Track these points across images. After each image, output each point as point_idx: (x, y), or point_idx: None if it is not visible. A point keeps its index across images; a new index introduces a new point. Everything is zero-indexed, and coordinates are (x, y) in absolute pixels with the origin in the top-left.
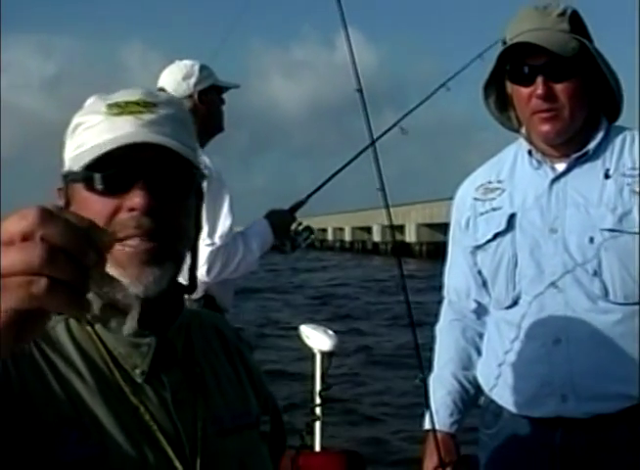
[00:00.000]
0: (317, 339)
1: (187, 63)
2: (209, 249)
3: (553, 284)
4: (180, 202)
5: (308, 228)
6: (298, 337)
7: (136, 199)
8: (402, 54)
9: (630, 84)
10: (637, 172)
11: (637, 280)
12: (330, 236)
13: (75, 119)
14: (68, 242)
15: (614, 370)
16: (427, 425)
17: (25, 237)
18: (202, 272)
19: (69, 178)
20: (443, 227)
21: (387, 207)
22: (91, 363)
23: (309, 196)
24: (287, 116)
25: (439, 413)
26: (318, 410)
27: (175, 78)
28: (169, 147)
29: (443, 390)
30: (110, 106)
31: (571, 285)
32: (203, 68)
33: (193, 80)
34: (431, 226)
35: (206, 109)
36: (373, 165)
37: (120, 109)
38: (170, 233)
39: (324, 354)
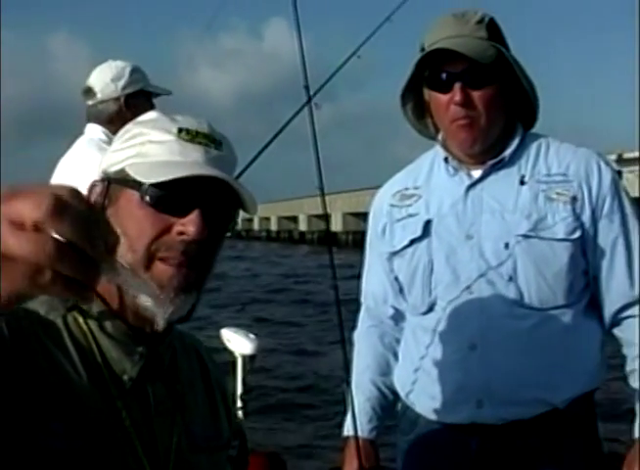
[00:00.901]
0: (238, 342)
1: (119, 64)
2: None
3: (468, 289)
4: (220, 237)
5: None
6: (219, 340)
7: (191, 227)
8: (328, 42)
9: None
10: (551, 179)
11: (553, 285)
12: (256, 226)
13: (135, 129)
14: (79, 238)
15: (529, 376)
16: (346, 431)
17: (37, 227)
18: None
19: (119, 181)
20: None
21: (322, 195)
22: (85, 361)
23: (246, 168)
24: (215, 105)
25: (359, 419)
26: (240, 414)
27: (104, 79)
28: (233, 186)
29: (362, 396)
30: (181, 130)
31: (487, 290)
32: (134, 70)
33: (122, 83)
34: (357, 215)
35: (132, 113)
36: (312, 152)
37: (191, 136)
38: (207, 264)
39: (245, 358)
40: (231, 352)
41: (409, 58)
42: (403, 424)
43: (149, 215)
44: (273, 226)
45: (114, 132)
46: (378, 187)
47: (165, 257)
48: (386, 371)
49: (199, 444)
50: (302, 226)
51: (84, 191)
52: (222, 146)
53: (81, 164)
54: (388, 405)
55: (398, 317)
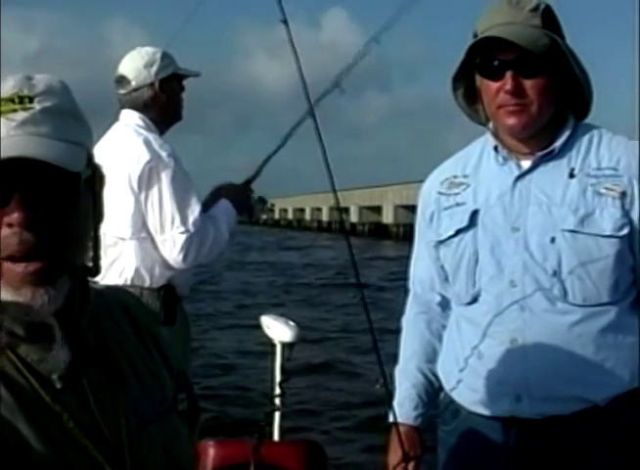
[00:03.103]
0: (278, 330)
1: (148, 50)
2: (184, 236)
3: (512, 283)
4: (66, 208)
5: (261, 199)
6: (260, 327)
7: (14, 214)
8: (387, 34)
9: (630, 83)
10: (601, 173)
11: (598, 282)
12: (308, 216)
13: None
14: None
15: (569, 372)
16: (391, 418)
17: None
18: (178, 260)
19: None
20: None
21: (334, 190)
22: (5, 376)
23: (261, 166)
24: (270, 95)
25: (404, 406)
26: (277, 401)
27: (137, 66)
28: (40, 159)
29: (408, 383)
30: None
31: (530, 285)
32: (164, 55)
33: (154, 68)
34: (408, 208)
35: (167, 97)
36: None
37: None
38: (60, 245)
39: (284, 345)
40: (270, 340)
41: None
42: (445, 414)
43: None
44: (324, 217)
45: (151, 118)
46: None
47: (8, 255)
48: (432, 358)
49: (147, 416)
50: (354, 218)
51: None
52: (35, 99)
53: (121, 150)
54: (434, 393)
55: (446, 304)
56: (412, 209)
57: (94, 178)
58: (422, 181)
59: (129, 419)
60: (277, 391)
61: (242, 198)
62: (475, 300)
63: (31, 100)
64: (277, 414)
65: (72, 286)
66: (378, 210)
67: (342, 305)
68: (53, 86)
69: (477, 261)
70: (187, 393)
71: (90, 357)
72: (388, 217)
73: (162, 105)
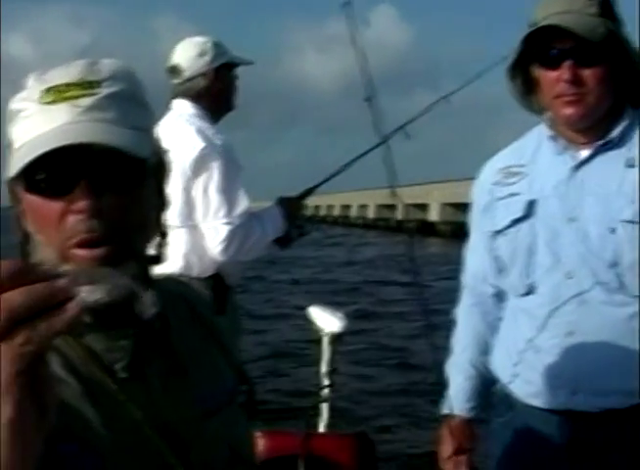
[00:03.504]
0: (325, 320)
1: (200, 39)
2: (228, 227)
3: (568, 274)
4: (132, 195)
5: (311, 218)
6: (307, 318)
7: (80, 202)
8: (436, 33)
9: None
10: None
11: None
12: (354, 213)
13: (13, 104)
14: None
15: (626, 365)
16: (444, 410)
17: None
18: (217, 251)
19: (13, 178)
20: (468, 207)
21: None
22: (70, 365)
23: (317, 186)
24: (318, 91)
25: (457, 398)
26: (325, 392)
27: (190, 55)
28: (107, 145)
29: (461, 375)
30: (44, 92)
31: (587, 276)
32: (216, 44)
33: (208, 57)
34: (455, 206)
35: (221, 86)
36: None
37: (56, 95)
38: (125, 231)
39: (332, 336)
40: (318, 331)
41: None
42: (498, 406)
43: (40, 206)
44: (370, 214)
45: (205, 107)
46: (475, 178)
47: (76, 242)
48: (485, 351)
49: (210, 408)
50: (400, 215)
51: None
52: (101, 84)
53: (174, 139)
54: (487, 385)
55: (499, 296)
56: (458, 206)
57: (159, 165)
58: (469, 179)
59: (194, 410)
60: (324, 382)
61: (293, 210)
62: (530, 291)
63: (97, 85)
64: (324, 406)
65: (137, 273)
66: (424, 207)
67: (390, 301)
68: (118, 71)
69: (532, 252)
70: (246, 385)
71: (154, 347)
72: (434, 215)
73: (216, 94)
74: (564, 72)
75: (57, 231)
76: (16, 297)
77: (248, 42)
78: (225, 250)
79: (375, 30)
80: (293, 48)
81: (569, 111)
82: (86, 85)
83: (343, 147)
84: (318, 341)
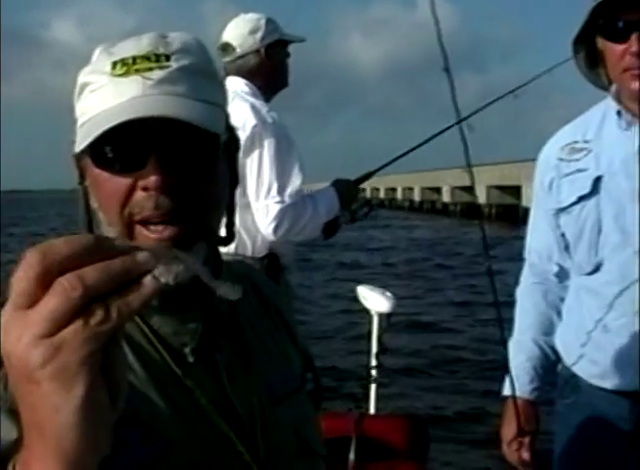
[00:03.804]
0: (374, 300)
1: (252, 16)
2: (279, 206)
3: (637, 252)
4: (204, 170)
5: (369, 203)
6: (356, 298)
7: (150, 177)
8: (481, 13)
9: None
10: None
11: None
12: (399, 195)
13: (81, 77)
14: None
15: None
16: (506, 391)
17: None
18: (268, 230)
19: (81, 151)
20: (514, 190)
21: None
22: (137, 347)
23: (378, 169)
24: (364, 74)
25: (519, 379)
26: (374, 373)
27: (242, 33)
28: (180, 119)
29: (523, 355)
30: (114, 64)
31: None
32: (269, 21)
33: (260, 35)
34: (501, 188)
35: (273, 63)
36: (462, 145)
37: (126, 67)
38: (197, 210)
39: (381, 316)
40: (367, 310)
41: (559, 31)
42: (564, 387)
43: (107, 180)
44: (416, 197)
45: (257, 85)
46: (523, 160)
47: (142, 219)
48: (548, 330)
49: (278, 395)
50: (446, 198)
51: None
52: (172, 57)
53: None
54: (550, 366)
55: (563, 275)
56: (504, 189)
57: (231, 141)
58: (515, 161)
59: (261, 396)
60: (373, 362)
61: (348, 194)
62: (597, 269)
63: (168, 58)
64: (373, 386)
65: (208, 254)
66: (470, 190)
67: (437, 279)
68: (189, 44)
69: (600, 230)
70: (313, 373)
71: (222, 331)
72: (480, 198)
73: (268, 71)
74: (632, 45)
75: (123, 208)
76: (91, 273)
77: (293, 27)
78: (276, 229)
79: (421, 13)
80: (339, 31)
81: (636, 84)
82: (157, 58)
83: (389, 128)
84: (368, 321)
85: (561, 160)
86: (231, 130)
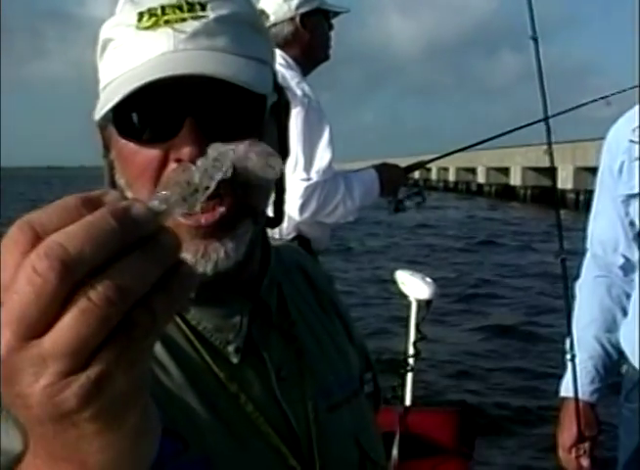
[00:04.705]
0: (414, 286)
1: None
2: (305, 184)
3: None
4: (248, 135)
5: (420, 193)
6: (394, 283)
7: (184, 147)
8: None
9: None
10: None
11: None
12: (434, 176)
13: (104, 32)
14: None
15: None
16: (564, 392)
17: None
18: (294, 209)
19: (104, 117)
20: (549, 171)
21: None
22: (172, 346)
23: (432, 160)
24: (402, 53)
25: (579, 379)
26: (411, 361)
27: (276, 0)
28: (219, 77)
29: (585, 354)
30: (141, 15)
31: None
32: None
33: (295, 2)
34: (536, 170)
35: (310, 34)
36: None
37: (155, 18)
38: (242, 187)
39: (420, 303)
40: (405, 296)
41: (597, 11)
42: (629, 390)
43: (134, 152)
44: (451, 177)
45: (293, 56)
46: (559, 142)
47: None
48: (612, 327)
49: (336, 399)
50: (480, 178)
51: None
52: (208, 5)
53: None
54: (613, 366)
55: (629, 268)
56: (539, 171)
57: (280, 104)
58: (548, 144)
59: (317, 402)
60: (411, 350)
61: (393, 180)
62: None
63: (203, 7)
64: (410, 375)
65: (254, 237)
66: (505, 171)
67: (473, 264)
68: None
69: None
70: (373, 373)
71: (271, 327)
72: (515, 179)
73: (305, 42)
74: None
75: (154, 185)
76: (130, 270)
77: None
78: (302, 209)
79: None
80: (373, 9)
81: None
82: (190, 7)
83: (428, 108)
84: (407, 307)
85: (633, 142)
86: (279, 92)
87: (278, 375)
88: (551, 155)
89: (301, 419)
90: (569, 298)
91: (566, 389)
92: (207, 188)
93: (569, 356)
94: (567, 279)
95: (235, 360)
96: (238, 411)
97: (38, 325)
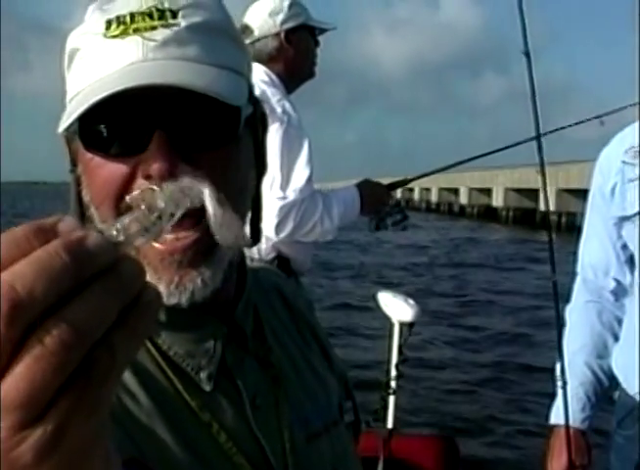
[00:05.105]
0: (396, 308)
1: None
2: (281, 203)
3: None
4: (223, 153)
5: (402, 211)
6: (376, 304)
7: (154, 162)
8: (504, 13)
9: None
10: None
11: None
12: (416, 196)
13: (71, 42)
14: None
15: None
16: (554, 419)
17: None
18: (270, 229)
19: (70, 129)
20: (532, 193)
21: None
22: (141, 373)
23: (415, 178)
24: (386, 72)
25: (570, 406)
26: (393, 384)
27: (261, 14)
28: (190, 88)
29: (575, 380)
30: (109, 23)
31: None
32: (293, 4)
33: (280, 17)
34: (519, 191)
35: (294, 50)
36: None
37: (123, 26)
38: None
39: (403, 325)
40: (387, 318)
41: (580, 31)
42: (623, 416)
43: (100, 167)
44: (433, 197)
45: (276, 72)
46: (539, 165)
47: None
48: (602, 353)
49: (314, 429)
50: (463, 199)
51: None
52: (179, 13)
53: None
54: (604, 392)
55: (620, 292)
56: (522, 192)
57: (256, 117)
58: (534, 165)
59: (294, 432)
60: (393, 373)
61: (375, 197)
62: None
63: (174, 14)
64: (392, 398)
65: (232, 258)
66: (488, 192)
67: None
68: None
69: None
70: (352, 401)
71: (246, 352)
72: (498, 200)
73: (289, 58)
74: None
75: (119, 202)
76: (82, 305)
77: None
78: (278, 227)
79: (444, 13)
80: (359, 28)
81: None
82: (161, 15)
83: (411, 127)
84: (389, 329)
85: (625, 163)
86: (255, 103)
87: (253, 403)
88: (543, 174)
89: (278, 450)
90: (559, 321)
91: (556, 415)
92: (173, 215)
93: (560, 383)
94: (557, 303)
95: (207, 388)
96: (210, 441)
97: None
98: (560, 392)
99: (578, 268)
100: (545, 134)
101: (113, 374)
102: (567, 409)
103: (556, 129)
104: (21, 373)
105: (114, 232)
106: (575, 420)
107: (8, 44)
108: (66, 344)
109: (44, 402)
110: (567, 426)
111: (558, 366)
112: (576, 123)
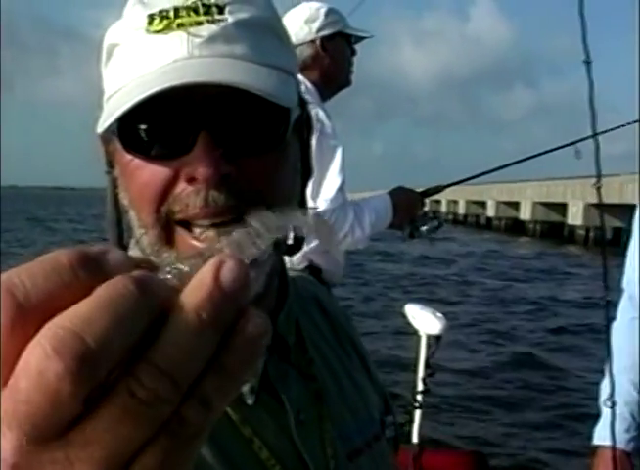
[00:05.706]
0: (424, 320)
1: (313, 5)
2: (312, 212)
3: None
4: (271, 156)
5: (437, 219)
6: (403, 316)
7: (199, 165)
8: (534, 28)
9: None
10: None
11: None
12: (444, 208)
13: (109, 37)
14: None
15: None
16: (598, 439)
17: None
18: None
19: (108, 129)
20: (560, 207)
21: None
22: None
23: (450, 185)
24: (413, 85)
25: (615, 427)
26: (420, 398)
27: (297, 21)
28: (238, 87)
29: (620, 400)
30: (151, 17)
31: None
32: (330, 11)
33: (316, 24)
34: (547, 205)
35: (330, 58)
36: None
37: (166, 21)
38: (259, 207)
39: (430, 338)
40: (415, 331)
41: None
42: None
43: (141, 169)
44: (460, 210)
45: (312, 79)
46: (569, 178)
47: (185, 219)
48: None
49: (357, 445)
50: (490, 212)
51: None
52: (226, 8)
53: None
54: None
55: None
56: (550, 206)
57: (303, 119)
58: (563, 179)
59: (337, 448)
60: (420, 386)
61: (408, 204)
62: None
63: (221, 9)
64: (418, 413)
65: (274, 264)
66: (515, 205)
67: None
68: None
69: None
70: (393, 416)
71: (289, 365)
72: (525, 214)
73: (325, 66)
74: None
75: (160, 205)
76: (96, 325)
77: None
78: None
79: (473, 26)
80: (387, 40)
81: None
82: (207, 9)
83: (438, 140)
84: (416, 342)
85: None
86: (303, 105)
87: (297, 418)
88: (599, 174)
89: (321, 467)
90: (609, 341)
91: (600, 436)
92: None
93: (608, 403)
94: (608, 322)
95: (249, 401)
96: (251, 458)
97: (56, 428)
98: (607, 412)
99: (624, 284)
100: (602, 133)
101: (205, 428)
102: (613, 430)
103: (611, 129)
104: (104, 427)
105: (169, 275)
106: (621, 441)
107: (38, 50)
108: (158, 394)
109: (127, 458)
110: (613, 447)
111: (604, 385)
112: (622, 126)
